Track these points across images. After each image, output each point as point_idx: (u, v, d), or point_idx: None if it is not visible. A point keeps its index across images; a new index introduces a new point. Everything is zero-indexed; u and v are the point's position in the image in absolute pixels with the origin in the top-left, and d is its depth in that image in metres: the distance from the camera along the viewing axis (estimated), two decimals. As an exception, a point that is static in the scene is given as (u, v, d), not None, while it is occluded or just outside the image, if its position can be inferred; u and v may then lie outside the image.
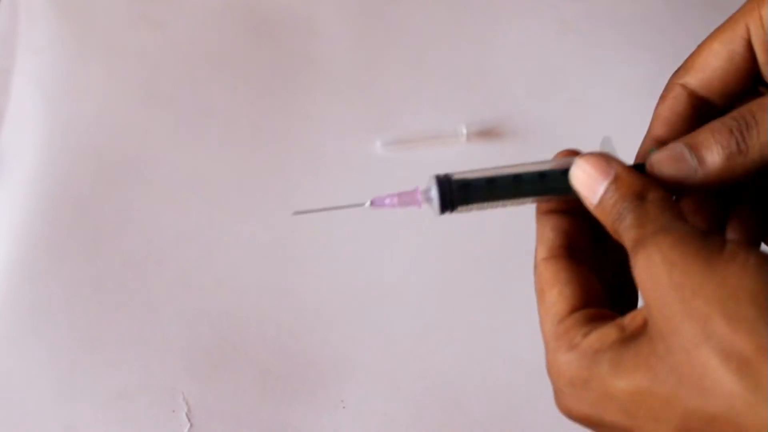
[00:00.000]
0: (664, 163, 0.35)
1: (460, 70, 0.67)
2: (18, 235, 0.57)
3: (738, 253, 0.30)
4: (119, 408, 0.52)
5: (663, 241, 0.31)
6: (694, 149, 0.34)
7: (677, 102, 0.38)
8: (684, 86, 0.38)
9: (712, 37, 0.38)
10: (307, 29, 0.69)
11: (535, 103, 0.65)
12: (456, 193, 0.36)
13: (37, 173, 0.60)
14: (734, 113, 0.34)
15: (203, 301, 0.56)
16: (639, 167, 0.36)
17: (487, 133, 0.64)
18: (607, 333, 0.33)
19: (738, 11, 0.37)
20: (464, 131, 0.63)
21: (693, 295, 0.29)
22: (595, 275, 0.36)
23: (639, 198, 0.33)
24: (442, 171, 0.37)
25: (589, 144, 0.38)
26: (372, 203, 0.39)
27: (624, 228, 0.33)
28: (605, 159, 0.35)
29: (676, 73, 0.39)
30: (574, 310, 0.34)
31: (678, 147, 0.35)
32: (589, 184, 0.34)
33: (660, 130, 0.38)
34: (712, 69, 0.37)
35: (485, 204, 0.37)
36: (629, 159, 0.36)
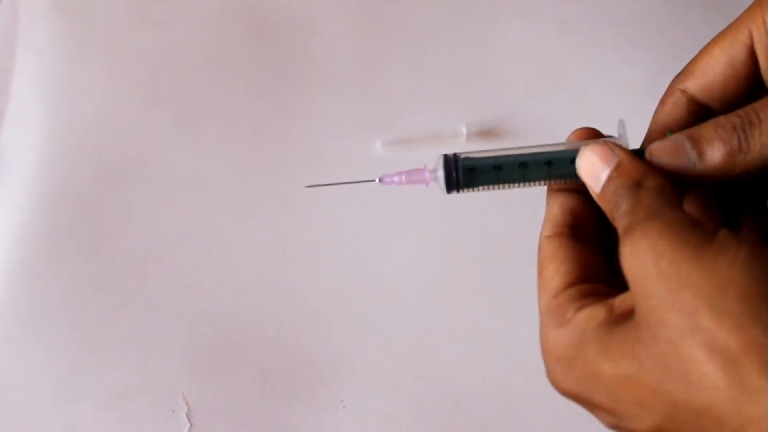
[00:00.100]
0: (663, 152, 0.35)
1: (460, 70, 0.67)
2: (18, 235, 0.57)
3: (729, 244, 0.29)
4: (119, 408, 0.52)
5: (651, 229, 0.31)
6: (696, 142, 0.34)
7: (677, 107, 0.38)
8: (684, 91, 0.38)
9: (713, 42, 0.38)
10: (307, 29, 0.69)
11: (535, 103, 0.65)
12: (462, 176, 0.37)
13: (37, 173, 0.60)
14: (739, 111, 0.34)
15: (203, 301, 0.56)
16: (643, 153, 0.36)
17: (487, 133, 0.64)
18: (595, 312, 0.33)
19: (740, 16, 0.37)
20: (464, 131, 0.63)
21: (680, 287, 0.29)
22: (599, 255, 0.36)
23: (636, 185, 0.33)
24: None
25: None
26: (381, 180, 0.40)
27: (619, 215, 0.33)
28: (610, 147, 0.35)
29: (677, 78, 0.39)
30: (569, 285, 0.35)
31: (680, 138, 0.35)
32: (593, 172, 0.35)
33: (658, 136, 0.38)
34: (712, 74, 0.37)
35: (492, 186, 0.37)
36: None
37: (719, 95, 0.37)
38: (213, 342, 0.54)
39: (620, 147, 0.35)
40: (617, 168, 0.34)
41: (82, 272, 0.57)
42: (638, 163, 0.34)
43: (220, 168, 0.62)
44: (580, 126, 0.38)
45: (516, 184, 0.37)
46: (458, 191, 0.38)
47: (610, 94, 0.65)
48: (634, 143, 0.38)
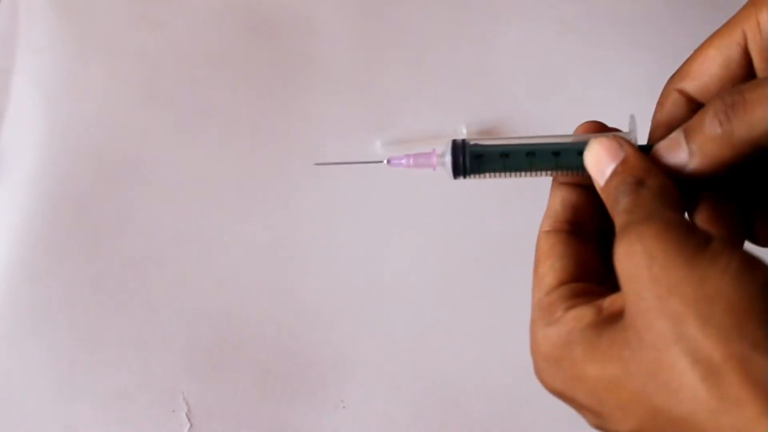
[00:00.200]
0: (663, 150, 0.35)
1: (460, 70, 0.67)
2: (18, 235, 0.57)
3: (721, 254, 0.29)
4: (119, 408, 0.52)
5: (646, 231, 0.30)
6: (687, 134, 0.34)
7: (677, 108, 0.38)
8: (681, 92, 0.38)
9: (708, 42, 0.37)
10: (307, 29, 0.69)
11: (535, 103, 0.65)
12: (470, 162, 0.37)
13: (37, 173, 0.60)
14: (724, 92, 0.33)
15: (203, 301, 0.56)
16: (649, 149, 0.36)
17: (487, 133, 0.64)
18: (584, 313, 0.33)
19: (734, 16, 0.37)
20: (464, 131, 0.63)
21: (669, 293, 0.29)
22: (596, 253, 0.36)
23: (638, 183, 0.33)
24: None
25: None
26: (389, 161, 0.39)
27: (617, 211, 0.33)
28: (618, 142, 0.35)
29: (672, 78, 0.38)
30: (562, 283, 0.34)
31: (677, 134, 0.35)
32: (599, 165, 0.35)
33: (660, 136, 0.38)
34: (708, 76, 0.37)
35: (498, 174, 0.37)
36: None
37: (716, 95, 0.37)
38: (213, 342, 0.54)
39: (629, 143, 0.35)
40: (622, 163, 0.34)
41: (82, 272, 0.57)
42: (644, 160, 0.34)
43: (220, 168, 0.62)
44: (586, 120, 0.38)
45: (522, 173, 0.37)
46: (465, 177, 0.37)
47: (610, 94, 0.65)
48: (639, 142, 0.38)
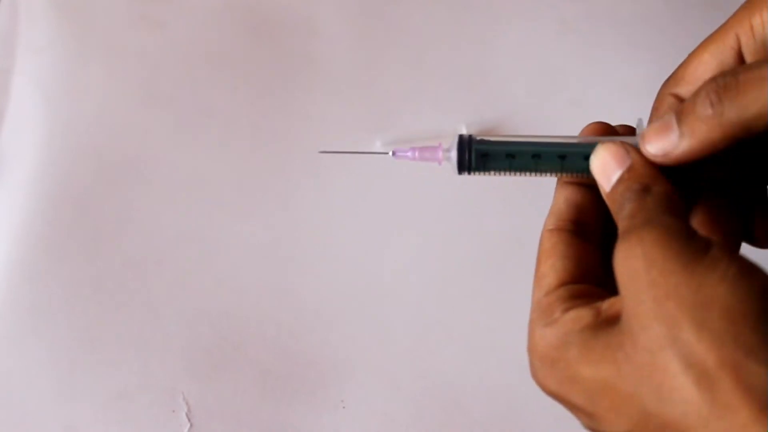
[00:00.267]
0: (653, 132, 0.35)
1: (460, 70, 0.67)
2: (18, 235, 0.57)
3: (720, 261, 0.29)
4: (119, 408, 0.52)
5: (647, 236, 0.30)
6: (679, 116, 0.34)
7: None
8: (676, 96, 0.38)
9: (701, 47, 0.37)
10: (307, 29, 0.69)
11: (535, 103, 0.65)
12: (475, 159, 0.37)
13: (37, 173, 0.60)
14: (718, 74, 0.33)
15: (203, 301, 0.56)
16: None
17: (487, 133, 0.63)
18: (582, 315, 0.33)
19: (727, 21, 0.37)
20: (464, 131, 0.63)
21: (666, 297, 0.29)
22: (598, 254, 0.36)
23: (644, 189, 0.33)
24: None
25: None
26: (394, 153, 0.40)
27: (621, 217, 0.33)
28: (625, 148, 0.35)
29: (667, 83, 0.38)
30: (562, 284, 0.34)
31: (669, 116, 0.34)
32: (605, 171, 0.35)
33: None
34: (702, 80, 0.36)
35: (503, 172, 0.37)
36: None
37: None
38: (213, 342, 0.55)
39: (635, 149, 0.35)
40: (629, 170, 0.34)
41: (82, 272, 0.57)
42: (650, 167, 0.34)
43: (220, 168, 0.62)
44: (579, 126, 0.38)
45: (527, 173, 0.37)
46: (469, 173, 0.37)
47: (610, 94, 0.65)
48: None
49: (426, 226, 0.59)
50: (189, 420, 0.52)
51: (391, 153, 0.40)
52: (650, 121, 0.39)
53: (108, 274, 0.57)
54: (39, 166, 0.60)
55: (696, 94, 0.33)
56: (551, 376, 0.33)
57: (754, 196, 0.37)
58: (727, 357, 0.27)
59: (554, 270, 0.35)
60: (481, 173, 0.37)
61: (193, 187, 0.61)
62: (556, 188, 0.38)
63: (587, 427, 0.33)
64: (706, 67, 0.37)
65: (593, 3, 0.70)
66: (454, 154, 0.37)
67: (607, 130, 0.37)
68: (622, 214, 0.33)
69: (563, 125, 0.65)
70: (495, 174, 0.37)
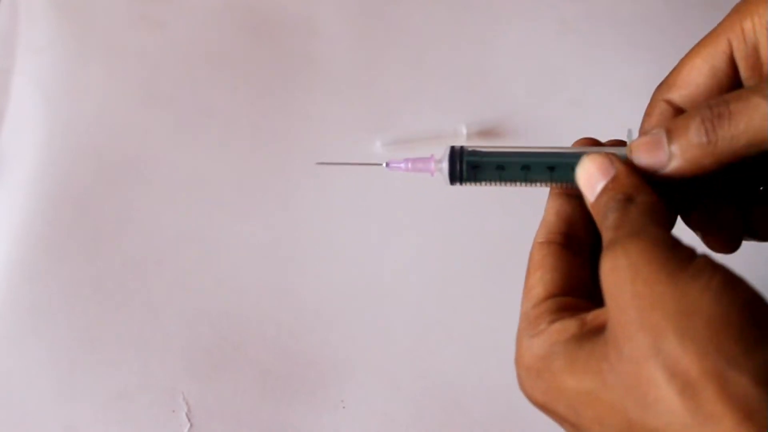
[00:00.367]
0: (642, 147, 0.35)
1: (460, 70, 0.67)
2: (18, 235, 0.57)
3: (704, 271, 0.29)
4: (119, 408, 0.52)
5: (632, 247, 0.31)
6: (670, 135, 0.34)
7: (664, 118, 0.38)
8: (669, 102, 0.38)
9: (693, 52, 0.38)
10: (307, 29, 0.69)
11: (535, 103, 0.65)
12: (466, 171, 0.38)
13: (37, 173, 0.60)
14: (711, 101, 0.34)
15: (203, 301, 0.56)
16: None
17: (487, 133, 0.64)
18: (567, 326, 0.33)
19: (719, 25, 0.37)
20: (464, 131, 0.63)
21: (651, 307, 0.29)
22: (587, 266, 0.36)
23: (627, 200, 0.33)
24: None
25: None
26: (387, 165, 0.40)
27: (605, 228, 0.33)
28: (610, 159, 0.35)
29: (659, 88, 0.39)
30: (550, 296, 0.35)
31: (658, 133, 0.35)
32: (590, 182, 0.35)
33: None
34: (695, 85, 0.37)
35: (494, 183, 0.38)
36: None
37: (702, 102, 0.37)
38: (213, 342, 0.55)
39: (620, 160, 0.35)
40: (613, 180, 0.34)
41: (82, 272, 0.57)
42: (634, 177, 0.34)
43: (220, 168, 0.62)
44: (579, 126, 0.39)
45: (518, 183, 0.38)
46: (461, 184, 0.38)
47: (610, 94, 0.65)
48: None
49: (426, 227, 0.59)
50: (189, 420, 0.52)
51: (384, 165, 0.40)
52: (642, 126, 0.39)
53: (108, 274, 0.57)
54: (39, 166, 0.60)
55: (689, 117, 0.34)
56: (537, 387, 0.34)
57: (751, 191, 0.37)
58: (710, 366, 0.28)
59: (543, 282, 0.35)
60: (473, 184, 0.38)
61: (193, 187, 0.61)
62: (548, 199, 0.38)
63: None
64: (699, 72, 0.37)
65: (593, 3, 0.70)
66: (445, 166, 0.38)
67: (596, 145, 0.38)
68: (606, 224, 0.33)
69: (563, 125, 0.65)
70: (486, 185, 0.38)
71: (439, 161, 0.38)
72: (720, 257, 0.38)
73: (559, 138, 0.40)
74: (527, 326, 0.34)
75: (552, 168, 0.37)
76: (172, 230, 0.59)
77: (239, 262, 0.58)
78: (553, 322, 0.34)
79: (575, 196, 0.37)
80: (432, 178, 0.39)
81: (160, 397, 0.52)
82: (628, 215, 0.33)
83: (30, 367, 0.53)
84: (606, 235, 0.33)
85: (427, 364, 0.54)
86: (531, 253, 0.37)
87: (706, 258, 0.30)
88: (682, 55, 0.39)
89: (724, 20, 0.37)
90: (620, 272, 0.30)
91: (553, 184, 0.37)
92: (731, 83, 0.37)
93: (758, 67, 0.36)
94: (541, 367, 0.33)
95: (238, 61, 0.67)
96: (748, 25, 0.36)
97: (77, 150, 0.61)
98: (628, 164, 0.35)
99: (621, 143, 0.38)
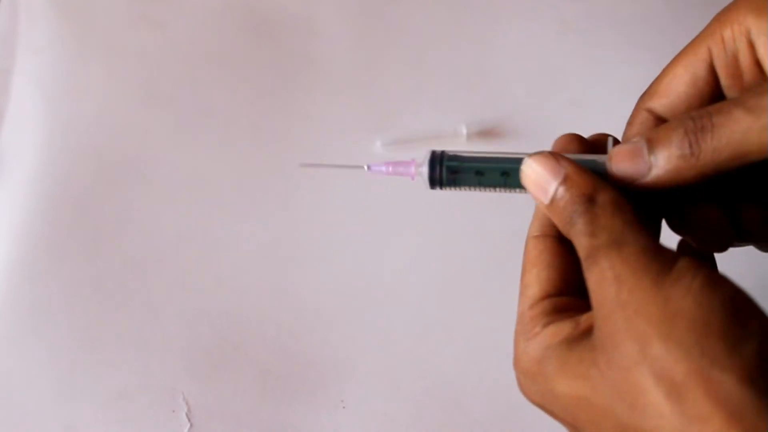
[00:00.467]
0: (622, 155, 0.35)
1: (460, 70, 0.67)
2: (18, 235, 0.57)
3: (685, 273, 0.30)
4: (119, 408, 0.52)
5: (615, 257, 0.31)
6: (651, 145, 0.34)
7: (644, 127, 0.38)
8: (650, 111, 0.38)
9: (675, 61, 0.38)
10: (307, 29, 0.69)
11: (535, 103, 0.65)
12: (446, 175, 0.38)
13: (37, 173, 0.60)
14: (694, 113, 0.34)
15: (203, 301, 0.56)
16: (592, 163, 0.36)
17: (487, 133, 0.64)
18: (560, 329, 0.33)
19: (700, 34, 0.37)
20: (464, 131, 0.63)
21: (636, 314, 0.30)
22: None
23: (589, 201, 0.33)
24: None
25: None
26: (369, 168, 0.40)
27: (575, 233, 0.33)
28: (555, 158, 0.35)
29: (642, 97, 0.39)
30: (545, 296, 0.35)
31: (639, 142, 0.35)
32: (539, 184, 0.35)
33: None
34: (676, 94, 0.37)
35: (474, 188, 0.38)
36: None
37: (684, 113, 0.37)
38: (213, 342, 0.55)
39: (566, 158, 0.35)
40: (565, 181, 0.34)
41: (82, 272, 0.57)
42: (587, 175, 0.34)
43: (220, 168, 0.62)
44: (579, 126, 0.38)
45: (498, 189, 0.37)
46: (441, 188, 0.38)
47: (610, 94, 0.65)
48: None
49: (426, 227, 0.59)
50: (189, 420, 0.52)
51: (366, 167, 0.40)
52: (624, 134, 0.39)
53: (108, 274, 0.57)
54: (39, 166, 0.60)
55: (671, 129, 0.34)
56: (534, 390, 0.34)
57: (737, 194, 0.37)
58: (695, 368, 0.28)
59: (539, 280, 0.35)
60: (453, 188, 0.38)
61: (193, 187, 0.61)
62: None
63: None
64: (680, 80, 0.37)
65: (593, 3, 0.70)
66: (425, 170, 0.38)
67: (578, 141, 0.37)
68: (575, 229, 0.33)
69: (563, 125, 0.65)
70: (466, 189, 0.38)
71: (420, 165, 0.38)
72: (721, 257, 0.38)
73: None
74: (523, 329, 0.35)
75: None
76: (172, 230, 0.59)
77: (239, 262, 0.58)
78: (547, 324, 0.34)
79: None
80: (430, 186, 0.39)
81: (160, 397, 0.52)
82: (597, 219, 0.33)
83: (30, 367, 0.53)
84: (580, 241, 0.33)
85: (427, 364, 0.54)
86: (526, 248, 0.37)
87: (687, 260, 0.30)
88: (682, 55, 0.39)
89: (705, 29, 0.37)
90: (606, 284, 0.31)
91: None
92: (712, 91, 0.37)
93: (738, 75, 0.36)
94: (536, 370, 0.33)
95: (238, 61, 0.67)
96: (728, 33, 0.36)
97: (77, 150, 0.61)
98: (575, 162, 0.35)
99: (604, 137, 0.38)
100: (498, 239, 0.59)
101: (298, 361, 0.54)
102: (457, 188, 0.38)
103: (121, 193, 0.60)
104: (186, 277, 0.57)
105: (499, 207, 0.60)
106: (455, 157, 0.38)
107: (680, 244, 0.37)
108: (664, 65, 0.40)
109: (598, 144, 0.38)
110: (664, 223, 0.37)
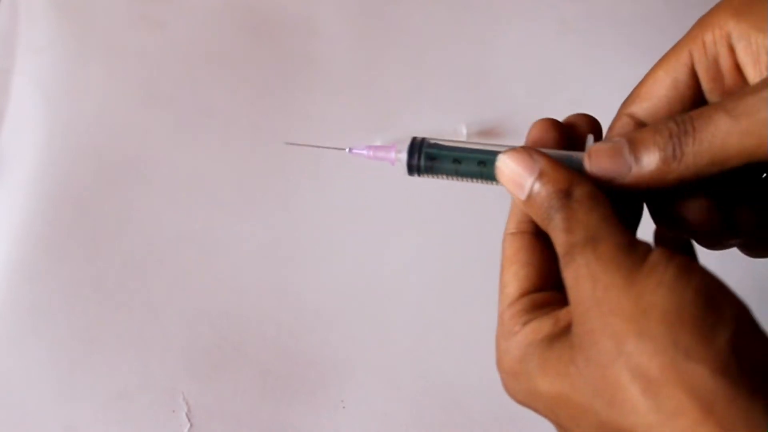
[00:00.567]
0: (602, 154, 0.35)
1: (460, 70, 0.67)
2: (18, 235, 0.57)
3: (657, 267, 0.30)
4: (119, 408, 0.52)
5: (590, 255, 0.31)
6: (633, 146, 0.34)
7: (624, 131, 0.37)
8: (631, 116, 0.38)
9: (657, 65, 0.38)
10: (307, 29, 0.69)
11: (535, 103, 0.65)
12: (424, 162, 0.37)
13: (37, 173, 0.60)
14: (677, 117, 0.34)
15: (203, 301, 0.56)
16: (569, 158, 0.35)
17: (487, 133, 0.64)
18: (540, 326, 0.33)
19: (682, 39, 0.37)
20: (464, 131, 0.63)
21: (611, 312, 0.30)
22: None
23: (566, 195, 0.33)
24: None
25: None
26: (350, 150, 0.40)
27: (552, 228, 0.33)
28: (529, 153, 0.35)
29: (624, 102, 0.38)
30: (524, 293, 0.35)
31: (620, 141, 0.34)
32: (514, 180, 0.35)
33: None
34: (657, 98, 0.37)
35: (451, 177, 0.38)
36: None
37: (667, 117, 0.37)
38: (213, 342, 0.54)
39: (540, 153, 0.35)
40: (541, 176, 0.34)
41: (82, 272, 0.57)
42: (562, 170, 0.34)
43: (220, 168, 0.62)
44: (541, 118, 0.38)
45: (475, 180, 0.37)
46: (419, 175, 0.38)
47: (610, 94, 0.65)
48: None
49: (426, 226, 0.59)
50: (189, 420, 0.52)
51: (347, 150, 0.40)
52: (605, 138, 0.38)
53: (108, 274, 0.57)
54: (39, 166, 0.60)
55: (655, 131, 0.34)
56: (517, 389, 0.34)
57: (730, 190, 0.37)
58: (668, 362, 0.28)
59: (516, 278, 0.35)
60: (430, 176, 0.38)
61: (193, 187, 0.61)
62: None
63: None
64: (661, 84, 0.37)
65: (593, 3, 0.70)
66: (403, 156, 0.38)
67: (553, 127, 0.37)
68: (552, 224, 0.33)
69: (563, 125, 0.65)
70: (443, 178, 0.38)
71: (400, 151, 0.38)
72: (721, 258, 0.38)
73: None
74: (503, 328, 0.35)
75: None
76: (172, 230, 0.59)
77: (239, 262, 0.58)
78: (527, 323, 0.34)
79: None
80: (408, 172, 0.39)
81: (160, 397, 0.52)
82: (574, 214, 0.33)
83: (30, 367, 0.53)
84: (557, 238, 0.33)
85: (427, 364, 0.54)
86: (503, 246, 0.37)
87: (659, 253, 0.30)
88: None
89: (687, 33, 0.37)
90: (582, 281, 0.31)
91: None
92: (693, 95, 0.37)
93: (719, 79, 0.36)
94: (518, 369, 0.33)
95: (238, 61, 0.67)
96: (709, 37, 0.36)
97: (77, 150, 0.61)
98: (550, 157, 0.35)
99: (587, 120, 0.37)
100: (498, 239, 0.59)
101: (298, 361, 0.54)
102: (435, 176, 0.38)
103: (121, 193, 0.60)
104: (186, 277, 0.57)
105: (499, 207, 0.60)
106: (435, 145, 0.37)
107: (656, 233, 0.37)
108: (663, 65, 0.40)
109: (575, 126, 0.37)
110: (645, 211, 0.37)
